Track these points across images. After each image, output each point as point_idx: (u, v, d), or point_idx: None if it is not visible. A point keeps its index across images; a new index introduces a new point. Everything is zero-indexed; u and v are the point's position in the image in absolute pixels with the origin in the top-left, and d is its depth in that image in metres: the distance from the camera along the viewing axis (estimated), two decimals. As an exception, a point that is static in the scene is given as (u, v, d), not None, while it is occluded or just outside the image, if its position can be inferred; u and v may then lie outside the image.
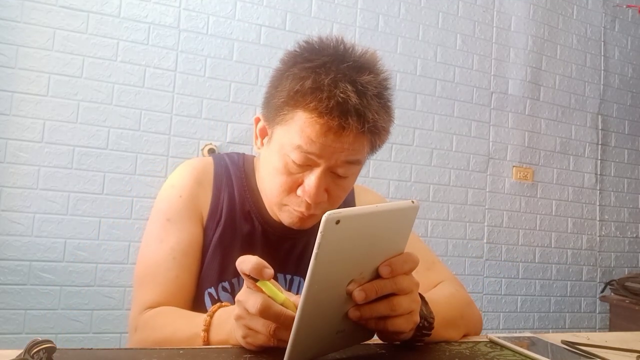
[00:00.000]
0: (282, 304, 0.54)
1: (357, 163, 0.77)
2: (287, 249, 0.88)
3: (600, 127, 2.96)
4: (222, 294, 0.83)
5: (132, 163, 2.05)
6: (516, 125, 2.76)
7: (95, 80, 2.02)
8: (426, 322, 0.64)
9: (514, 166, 2.74)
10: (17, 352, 0.48)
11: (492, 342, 0.72)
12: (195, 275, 0.83)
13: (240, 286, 0.79)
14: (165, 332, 0.70)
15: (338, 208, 0.68)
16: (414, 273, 0.60)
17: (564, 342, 0.73)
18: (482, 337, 0.76)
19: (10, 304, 1.88)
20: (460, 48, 2.66)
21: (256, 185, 0.88)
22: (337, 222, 0.47)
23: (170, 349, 0.60)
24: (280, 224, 0.83)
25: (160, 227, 0.83)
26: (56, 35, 1.97)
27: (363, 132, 0.71)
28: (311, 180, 0.74)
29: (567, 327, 2.79)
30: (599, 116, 2.96)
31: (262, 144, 0.83)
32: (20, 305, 1.89)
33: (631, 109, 3.06)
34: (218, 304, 0.68)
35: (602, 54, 2.99)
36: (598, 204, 2.93)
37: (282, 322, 0.54)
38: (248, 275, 0.55)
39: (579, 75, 2.93)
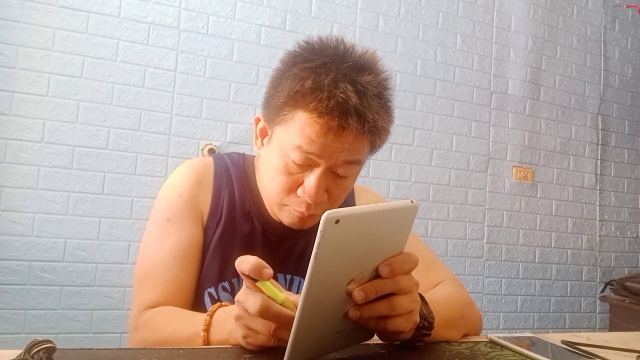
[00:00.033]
0: (281, 304, 0.54)
1: (357, 163, 0.77)
2: (287, 249, 0.88)
3: (600, 127, 2.96)
4: (222, 294, 0.83)
5: (132, 163, 2.06)
6: (516, 125, 2.76)
7: (95, 80, 2.02)
8: (426, 322, 0.64)
9: (514, 166, 2.74)
10: (17, 352, 0.48)
11: (492, 342, 0.72)
12: (196, 275, 0.83)
13: (240, 286, 0.80)
14: (165, 332, 0.70)
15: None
16: (414, 273, 0.60)
17: (564, 342, 0.73)
18: (482, 337, 0.76)
19: (10, 304, 1.88)
20: (460, 48, 2.66)
21: (256, 185, 0.88)
22: (337, 221, 0.47)
23: (170, 349, 0.60)
24: (281, 224, 0.83)
25: (161, 227, 0.83)
26: (56, 35, 1.97)
27: (363, 132, 0.71)
28: (311, 180, 0.74)
29: (567, 327, 2.79)
30: (599, 116, 2.96)
31: (262, 144, 0.83)
32: (20, 305, 1.89)
33: (631, 109, 3.06)
34: (218, 303, 0.68)
35: (602, 54, 3.00)
36: (598, 204, 2.93)
37: (281, 322, 0.54)
38: (247, 276, 0.55)
39: (579, 75, 2.93)
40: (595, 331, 2.81)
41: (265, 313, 0.53)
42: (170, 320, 0.72)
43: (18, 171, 1.91)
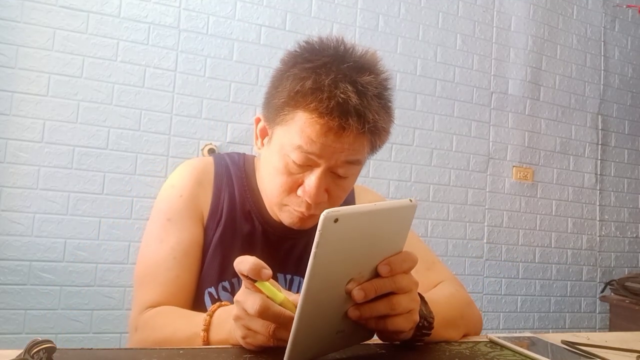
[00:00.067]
0: (281, 304, 0.54)
1: (357, 163, 0.77)
2: (287, 249, 0.88)
3: (600, 127, 2.96)
4: (222, 294, 0.83)
5: (132, 163, 2.06)
6: (516, 125, 2.76)
7: (95, 80, 2.02)
8: (426, 322, 0.64)
9: (514, 166, 2.74)
10: (17, 352, 0.48)
11: (492, 342, 0.72)
12: (196, 275, 0.83)
13: (240, 286, 0.80)
14: (166, 332, 0.70)
15: None
16: (414, 273, 0.60)
17: (564, 342, 0.73)
18: (482, 337, 0.76)
19: (10, 304, 1.88)
20: (460, 48, 2.66)
21: (256, 185, 0.88)
22: (336, 220, 0.47)
23: (170, 349, 0.60)
24: (281, 224, 0.83)
25: (161, 227, 0.83)
26: (56, 35, 1.97)
27: (363, 133, 0.71)
28: (311, 180, 0.74)
29: (567, 327, 2.79)
30: (599, 116, 2.97)
31: (263, 144, 0.83)
32: (20, 305, 1.89)
33: (631, 109, 3.06)
34: (218, 303, 0.68)
35: (602, 54, 3.00)
36: (598, 204, 2.93)
37: (281, 322, 0.54)
38: (246, 276, 0.55)
39: (579, 75, 2.93)
40: (595, 331, 2.81)
41: (264, 313, 0.53)
42: (171, 320, 0.72)
43: (18, 171, 1.91)
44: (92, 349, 0.58)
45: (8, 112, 1.91)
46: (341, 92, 0.68)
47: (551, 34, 2.86)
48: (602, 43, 3.00)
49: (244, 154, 0.94)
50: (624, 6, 3.04)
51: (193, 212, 0.84)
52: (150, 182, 2.06)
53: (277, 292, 0.55)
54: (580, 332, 0.89)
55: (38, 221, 1.92)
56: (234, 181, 0.88)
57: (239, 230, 0.85)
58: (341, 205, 0.80)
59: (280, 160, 0.75)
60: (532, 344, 0.71)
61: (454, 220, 2.59)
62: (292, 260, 0.88)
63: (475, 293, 2.59)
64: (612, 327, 2.32)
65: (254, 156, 0.95)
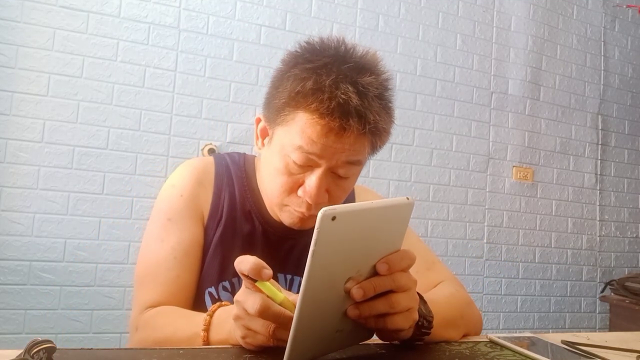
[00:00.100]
0: (280, 304, 0.54)
1: (358, 164, 0.77)
2: (287, 249, 0.88)
3: (600, 127, 2.96)
4: (223, 294, 0.83)
5: (132, 163, 2.06)
6: (516, 125, 2.76)
7: (95, 80, 2.02)
8: (425, 321, 0.64)
9: (514, 166, 2.74)
10: (17, 352, 0.48)
11: (492, 342, 0.72)
12: (196, 274, 0.83)
13: (240, 286, 0.80)
14: (166, 332, 0.70)
15: None
16: (414, 273, 0.60)
17: (564, 342, 0.73)
18: (482, 337, 0.76)
19: (10, 304, 1.88)
20: (460, 48, 2.66)
21: (257, 185, 0.88)
22: (333, 218, 0.47)
23: (170, 349, 0.60)
24: (281, 224, 0.83)
25: (161, 226, 0.83)
26: (56, 35, 1.97)
27: (364, 133, 0.71)
28: (312, 180, 0.74)
29: (567, 327, 2.79)
30: (599, 116, 2.97)
31: (263, 145, 0.83)
32: (20, 305, 1.89)
33: (631, 109, 3.06)
34: (218, 303, 0.68)
35: (602, 54, 3.00)
36: (598, 204, 2.93)
37: (281, 322, 0.54)
38: (247, 276, 0.55)
39: (579, 75, 2.93)
40: (595, 331, 2.81)
41: (264, 313, 0.53)
42: (171, 320, 0.72)
43: (18, 171, 1.91)
44: (92, 349, 0.58)
45: (8, 112, 1.91)
46: (342, 93, 0.68)
47: (551, 34, 2.86)
48: (602, 43, 3.00)
49: (245, 154, 0.94)
50: (624, 6, 3.04)
51: (193, 211, 0.84)
52: (150, 182, 2.06)
53: (277, 292, 0.55)
54: (580, 332, 0.89)
55: (38, 221, 1.92)
56: (234, 181, 0.88)
57: (239, 230, 0.85)
58: (341, 205, 0.80)
59: (281, 160, 0.75)
60: (532, 344, 0.71)
61: (454, 220, 2.59)
62: (292, 260, 0.88)
63: (475, 293, 2.59)
64: (612, 327, 2.32)
65: (255, 156, 0.95)
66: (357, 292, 0.54)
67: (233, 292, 0.83)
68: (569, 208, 2.86)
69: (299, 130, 0.71)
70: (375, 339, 0.63)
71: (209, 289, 0.83)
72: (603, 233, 2.93)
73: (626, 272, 2.85)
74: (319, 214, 0.47)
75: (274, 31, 2.30)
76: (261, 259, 0.55)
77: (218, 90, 2.19)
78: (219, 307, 0.67)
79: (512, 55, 2.77)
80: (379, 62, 0.76)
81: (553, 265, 2.79)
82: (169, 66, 2.13)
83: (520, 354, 0.65)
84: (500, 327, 2.64)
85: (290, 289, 0.87)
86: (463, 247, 2.60)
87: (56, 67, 1.97)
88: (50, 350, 0.48)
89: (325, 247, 0.49)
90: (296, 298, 0.52)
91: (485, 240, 2.65)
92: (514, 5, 2.78)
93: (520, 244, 2.72)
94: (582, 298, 2.85)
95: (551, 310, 2.76)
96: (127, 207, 2.04)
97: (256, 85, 2.24)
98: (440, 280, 0.88)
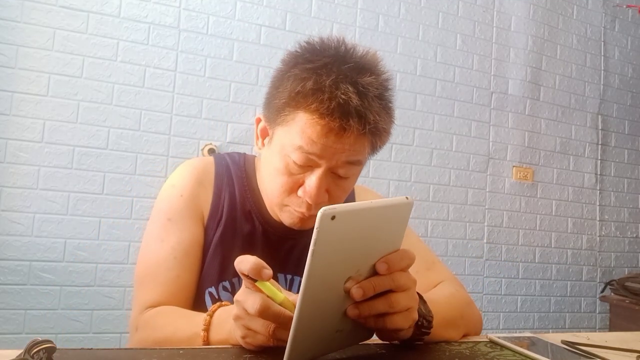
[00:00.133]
0: (280, 304, 0.54)
1: (358, 164, 0.77)
2: (287, 249, 0.88)
3: (600, 127, 2.96)
4: (223, 294, 0.83)
5: (132, 163, 2.06)
6: (516, 125, 2.76)
7: (95, 80, 2.02)
8: (425, 321, 0.64)
9: (514, 166, 2.74)
10: (17, 352, 0.48)
11: (492, 342, 0.72)
12: (196, 274, 0.83)
13: (240, 285, 0.80)
14: (166, 332, 0.70)
15: None
16: (414, 273, 0.60)
17: (564, 342, 0.73)
18: (482, 337, 0.76)
19: (10, 304, 1.88)
20: (460, 48, 2.66)
21: (257, 185, 0.88)
22: (333, 217, 0.47)
23: (170, 349, 0.60)
24: (281, 224, 0.83)
25: (161, 226, 0.83)
26: (56, 35, 1.97)
27: (364, 134, 0.71)
28: (312, 180, 0.74)
29: (567, 327, 2.79)
30: (599, 116, 2.97)
31: (263, 145, 0.83)
32: (20, 305, 1.89)
33: (631, 109, 3.06)
34: (218, 303, 0.68)
35: (602, 54, 3.00)
36: (598, 204, 2.93)
37: (281, 322, 0.54)
38: (247, 276, 0.55)
39: (579, 75, 2.93)
40: (595, 331, 2.81)
41: (264, 313, 0.53)
42: (171, 320, 0.72)
43: (18, 171, 1.91)
44: (92, 349, 0.58)
45: (8, 112, 1.91)
46: (342, 93, 0.68)
47: (551, 34, 2.86)
48: (602, 43, 3.00)
49: (245, 153, 0.94)
50: (624, 6, 3.04)
51: (193, 211, 0.84)
52: (150, 182, 2.06)
53: (277, 292, 0.55)
54: (580, 332, 0.89)
55: (38, 221, 1.92)
56: (234, 181, 0.88)
57: (239, 230, 0.85)
58: (341, 206, 0.80)
59: (281, 160, 0.75)
60: (532, 344, 0.71)
61: (454, 220, 2.59)
62: (293, 260, 0.88)
63: (475, 293, 2.59)
64: (612, 327, 2.32)
65: (255, 156, 0.95)
66: (356, 292, 0.54)
67: (233, 292, 0.83)
68: (569, 208, 2.86)
69: (299, 131, 0.71)
70: (375, 339, 0.63)
71: (209, 289, 0.83)
72: (603, 233, 2.93)
73: (626, 272, 2.85)
74: (319, 214, 0.47)
75: (274, 31, 2.30)
76: (261, 259, 0.55)
77: (218, 90, 2.19)
78: (219, 307, 0.67)
79: (512, 55, 2.77)
80: (379, 62, 0.76)
81: (553, 265, 2.79)
82: (169, 66, 2.13)
83: (520, 354, 0.65)
84: (500, 327, 2.64)
85: (290, 289, 0.87)
86: (463, 247, 2.60)
87: (56, 67, 1.97)
88: (50, 350, 0.48)
89: (325, 247, 0.49)
90: (296, 298, 0.52)
91: (485, 240, 2.65)
92: (514, 5, 2.78)
93: (520, 244, 2.72)
94: (582, 298, 2.85)
95: (551, 310, 2.76)
96: (127, 207, 2.04)
97: (256, 85, 2.24)
98: (440, 280, 0.88)
